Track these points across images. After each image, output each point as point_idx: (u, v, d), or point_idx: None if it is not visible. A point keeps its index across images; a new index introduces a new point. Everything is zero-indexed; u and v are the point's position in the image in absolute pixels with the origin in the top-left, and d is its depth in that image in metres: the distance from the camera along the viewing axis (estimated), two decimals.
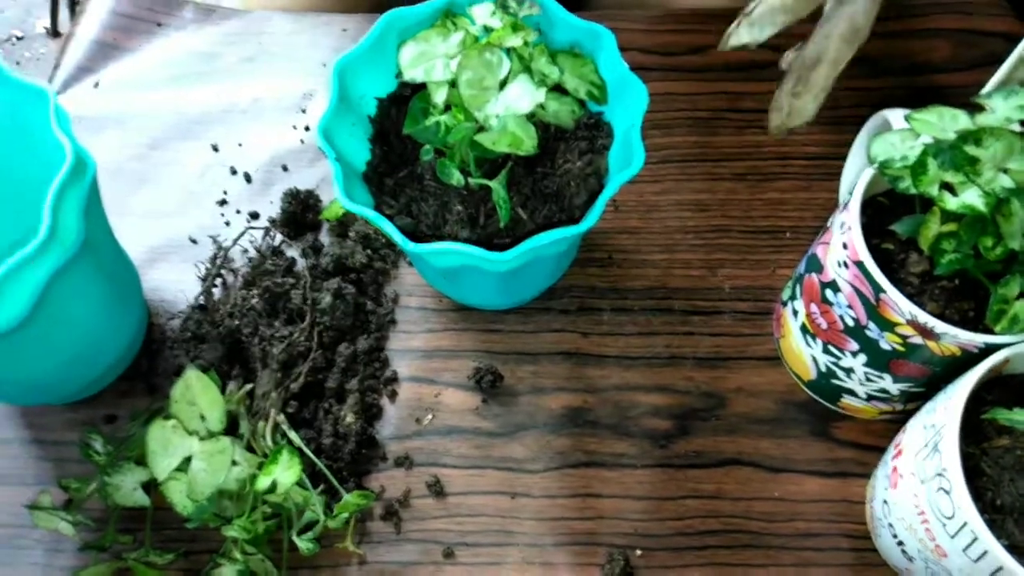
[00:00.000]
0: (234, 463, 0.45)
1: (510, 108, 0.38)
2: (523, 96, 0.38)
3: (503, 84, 0.39)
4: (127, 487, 0.48)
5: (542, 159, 0.48)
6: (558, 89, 0.44)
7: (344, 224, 0.59)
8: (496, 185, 0.42)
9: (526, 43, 0.40)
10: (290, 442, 0.49)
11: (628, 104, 0.46)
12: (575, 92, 0.42)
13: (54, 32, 1.31)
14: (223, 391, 0.51)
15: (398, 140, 0.48)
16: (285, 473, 0.45)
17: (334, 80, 0.45)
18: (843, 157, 0.56)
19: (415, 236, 0.45)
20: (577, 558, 0.50)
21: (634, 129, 0.44)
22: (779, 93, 0.46)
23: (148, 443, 0.43)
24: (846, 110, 0.64)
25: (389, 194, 0.47)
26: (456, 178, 0.44)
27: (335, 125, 0.45)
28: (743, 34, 0.43)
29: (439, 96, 0.40)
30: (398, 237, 0.42)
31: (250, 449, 0.49)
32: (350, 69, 0.46)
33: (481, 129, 0.40)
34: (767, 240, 0.59)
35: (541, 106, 0.42)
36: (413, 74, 0.40)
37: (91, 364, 0.51)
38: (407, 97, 0.47)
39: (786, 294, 0.53)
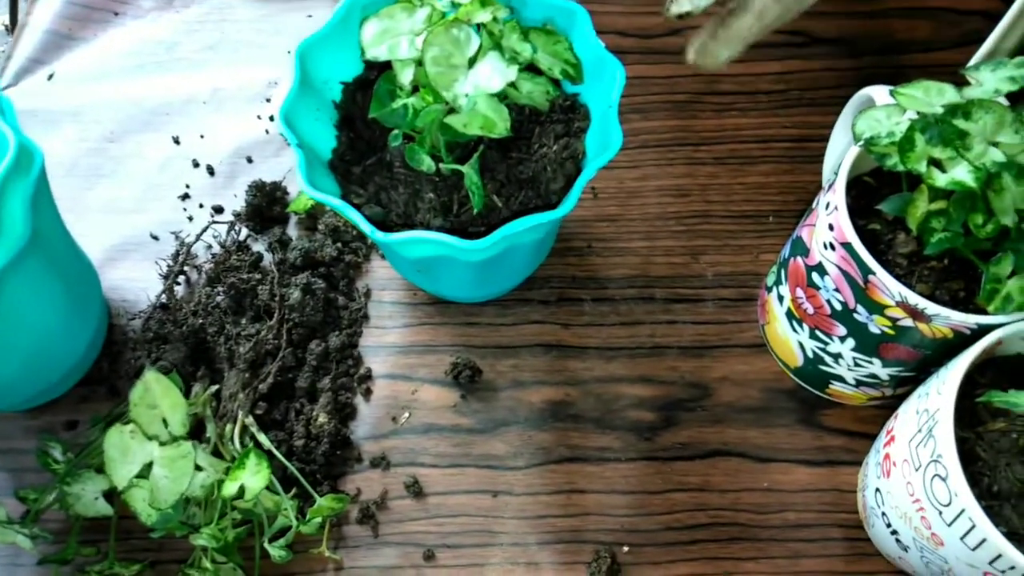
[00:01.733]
0: (199, 468, 0.42)
1: (480, 87, 0.36)
2: (494, 74, 0.36)
3: (472, 62, 0.37)
4: (88, 496, 0.45)
5: (517, 143, 0.46)
6: (532, 69, 0.42)
7: (313, 217, 0.57)
8: (468, 170, 0.40)
9: (496, 19, 0.38)
10: (259, 445, 0.47)
11: (605, 84, 0.44)
12: (549, 71, 0.40)
13: (13, 28, 1.27)
14: (188, 393, 0.49)
15: (365, 126, 0.46)
16: (253, 477, 0.42)
17: (296, 63, 0.43)
18: (825, 139, 0.55)
19: (385, 226, 0.43)
20: (562, 557, 0.48)
21: (611, 110, 0.43)
22: (700, 30, 0.44)
23: (106, 450, 0.40)
24: (827, 91, 0.62)
25: (357, 183, 0.45)
26: (426, 164, 0.42)
27: (297, 110, 0.43)
28: (684, 2, 0.41)
29: (405, 76, 0.37)
30: (366, 227, 0.40)
31: (217, 454, 0.47)
32: (313, 51, 0.44)
33: (451, 111, 0.38)
34: (750, 225, 0.58)
35: (514, 86, 0.40)
36: (376, 52, 0.37)
37: (47, 368, 0.49)
38: (373, 81, 0.45)
39: (771, 279, 0.52)
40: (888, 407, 0.47)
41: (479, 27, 0.38)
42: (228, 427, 0.47)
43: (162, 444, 0.41)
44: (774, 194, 0.59)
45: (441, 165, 0.42)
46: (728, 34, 0.42)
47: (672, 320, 0.55)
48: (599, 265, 0.56)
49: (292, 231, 0.57)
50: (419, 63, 0.36)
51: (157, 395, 0.42)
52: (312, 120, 0.45)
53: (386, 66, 0.41)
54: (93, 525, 0.47)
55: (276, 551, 0.45)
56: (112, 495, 0.46)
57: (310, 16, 0.66)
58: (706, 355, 0.54)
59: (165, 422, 0.43)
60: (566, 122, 0.47)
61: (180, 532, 0.45)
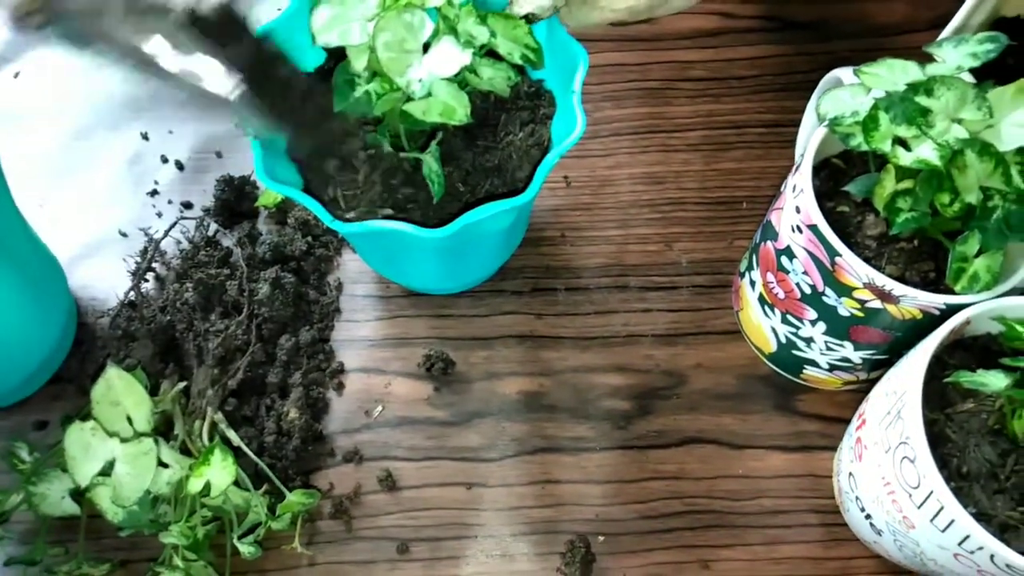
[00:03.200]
0: (165, 465, 0.42)
1: (434, 72, 0.36)
2: (448, 59, 0.36)
3: (427, 47, 0.36)
4: (54, 496, 0.45)
5: (483, 131, 0.46)
6: (494, 56, 0.42)
7: (283, 211, 0.56)
8: (427, 158, 0.39)
9: (451, 3, 0.37)
10: (228, 441, 0.46)
11: (569, 70, 0.44)
12: (509, 56, 0.40)
13: None
14: (156, 390, 0.48)
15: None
16: (219, 473, 0.42)
17: None
18: (799, 124, 0.54)
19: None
20: (537, 547, 0.48)
21: (574, 95, 0.42)
22: None
23: (67, 448, 0.40)
24: (801, 75, 0.62)
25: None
26: (387, 153, 0.41)
27: None
28: (525, 3, 0.39)
29: (359, 63, 0.37)
30: (325, 216, 0.39)
31: (186, 451, 0.46)
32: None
33: (410, 98, 0.38)
34: (724, 211, 0.57)
35: (474, 72, 0.39)
36: (327, 39, 0.37)
37: (13, 367, 0.48)
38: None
39: (743, 265, 0.51)
40: (863, 391, 0.47)
41: (434, 12, 0.37)
42: (197, 424, 0.47)
43: (124, 441, 0.40)
44: (748, 180, 0.58)
45: (402, 154, 0.42)
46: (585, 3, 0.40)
47: (647, 308, 0.54)
48: (573, 254, 0.56)
49: (262, 226, 0.56)
50: (372, 49, 0.36)
51: (120, 392, 0.41)
52: None
53: (343, 56, 0.41)
54: (63, 525, 0.47)
55: (246, 548, 0.45)
56: (80, 494, 0.45)
57: (279, 9, 0.65)
58: (680, 343, 0.53)
59: (129, 419, 0.42)
60: (532, 109, 0.46)
61: (149, 530, 0.44)
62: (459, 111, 0.37)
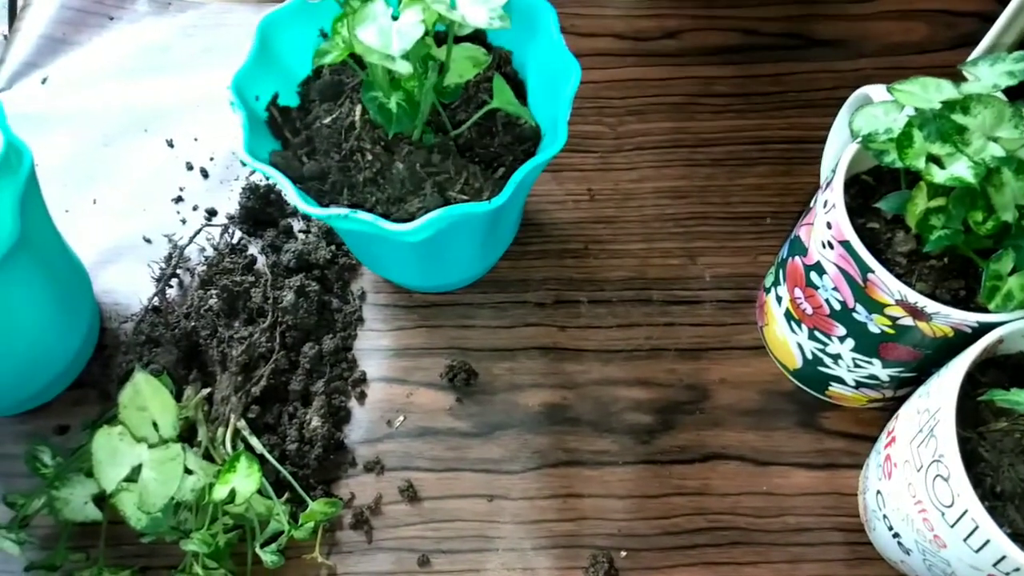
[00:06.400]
0: (189, 472, 0.42)
1: (405, 35, 0.36)
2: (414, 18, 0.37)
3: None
4: (77, 501, 0.44)
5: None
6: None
7: (307, 219, 0.56)
8: (498, 82, 0.42)
9: None
10: (251, 449, 0.46)
11: (538, 29, 0.45)
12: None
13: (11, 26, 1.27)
14: (179, 397, 0.48)
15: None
16: (244, 481, 0.42)
17: (235, 96, 0.46)
18: (822, 140, 0.54)
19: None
20: (559, 562, 0.47)
21: (556, 42, 0.44)
22: None
23: (94, 452, 0.40)
24: (823, 92, 0.62)
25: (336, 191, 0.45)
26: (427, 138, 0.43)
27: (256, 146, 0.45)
28: None
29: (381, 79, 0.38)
30: (386, 227, 0.40)
31: (209, 458, 0.46)
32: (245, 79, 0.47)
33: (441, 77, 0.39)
34: (748, 226, 0.57)
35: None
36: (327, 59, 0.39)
37: (37, 371, 0.48)
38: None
39: (769, 280, 0.51)
40: (888, 409, 0.47)
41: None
42: (220, 431, 0.47)
43: (151, 446, 0.40)
44: (772, 195, 0.58)
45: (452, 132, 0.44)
46: None
47: (670, 322, 0.54)
48: (596, 267, 0.56)
49: (286, 234, 0.56)
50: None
51: (147, 397, 0.41)
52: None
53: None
54: (83, 531, 0.46)
55: (268, 556, 0.44)
56: (102, 500, 0.45)
57: None
58: (704, 357, 0.53)
59: (155, 424, 0.42)
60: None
61: (171, 537, 0.44)
62: (479, 56, 0.40)
